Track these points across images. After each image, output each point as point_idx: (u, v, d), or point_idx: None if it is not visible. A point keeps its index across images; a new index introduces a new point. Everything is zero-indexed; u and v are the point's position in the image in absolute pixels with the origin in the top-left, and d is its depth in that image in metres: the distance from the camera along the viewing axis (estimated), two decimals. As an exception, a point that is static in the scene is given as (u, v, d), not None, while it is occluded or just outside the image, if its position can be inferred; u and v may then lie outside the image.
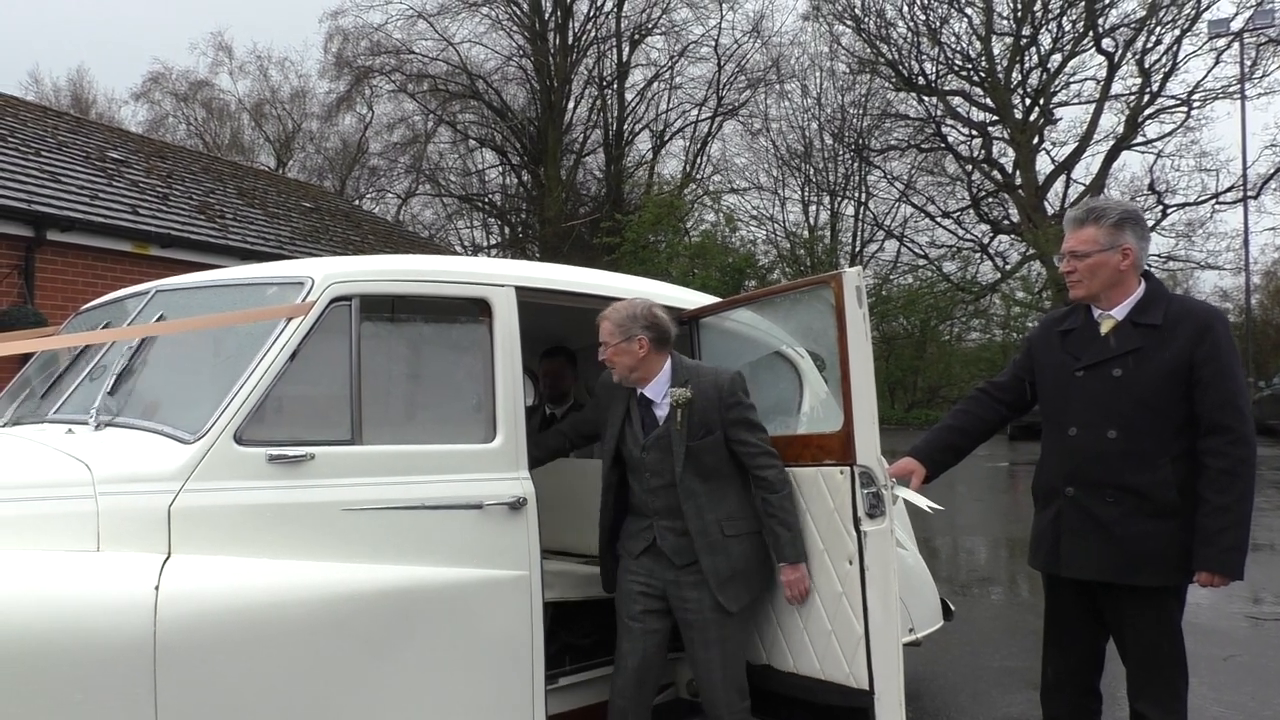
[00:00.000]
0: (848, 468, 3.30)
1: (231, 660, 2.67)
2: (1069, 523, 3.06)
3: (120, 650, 2.49)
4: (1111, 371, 2.98)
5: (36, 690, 2.40)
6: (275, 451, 2.96)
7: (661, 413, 3.42)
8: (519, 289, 3.55)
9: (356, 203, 28.21)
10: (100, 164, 12.76)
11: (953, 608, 4.88)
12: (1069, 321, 3.17)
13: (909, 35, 29.66)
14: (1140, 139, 28.42)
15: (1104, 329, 3.05)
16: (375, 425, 3.17)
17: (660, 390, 3.42)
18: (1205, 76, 27.66)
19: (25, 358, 6.47)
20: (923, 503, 3.22)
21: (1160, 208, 28.58)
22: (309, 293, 3.16)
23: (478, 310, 3.46)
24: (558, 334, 5.03)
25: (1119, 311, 3.03)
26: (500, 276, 3.55)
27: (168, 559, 2.68)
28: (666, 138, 33.63)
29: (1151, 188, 28.63)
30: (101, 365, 3.38)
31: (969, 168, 30.60)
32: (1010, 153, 29.48)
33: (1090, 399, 3.02)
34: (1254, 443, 2.89)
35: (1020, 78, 29.20)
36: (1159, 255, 29.40)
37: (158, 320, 3.44)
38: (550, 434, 3.95)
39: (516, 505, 3.32)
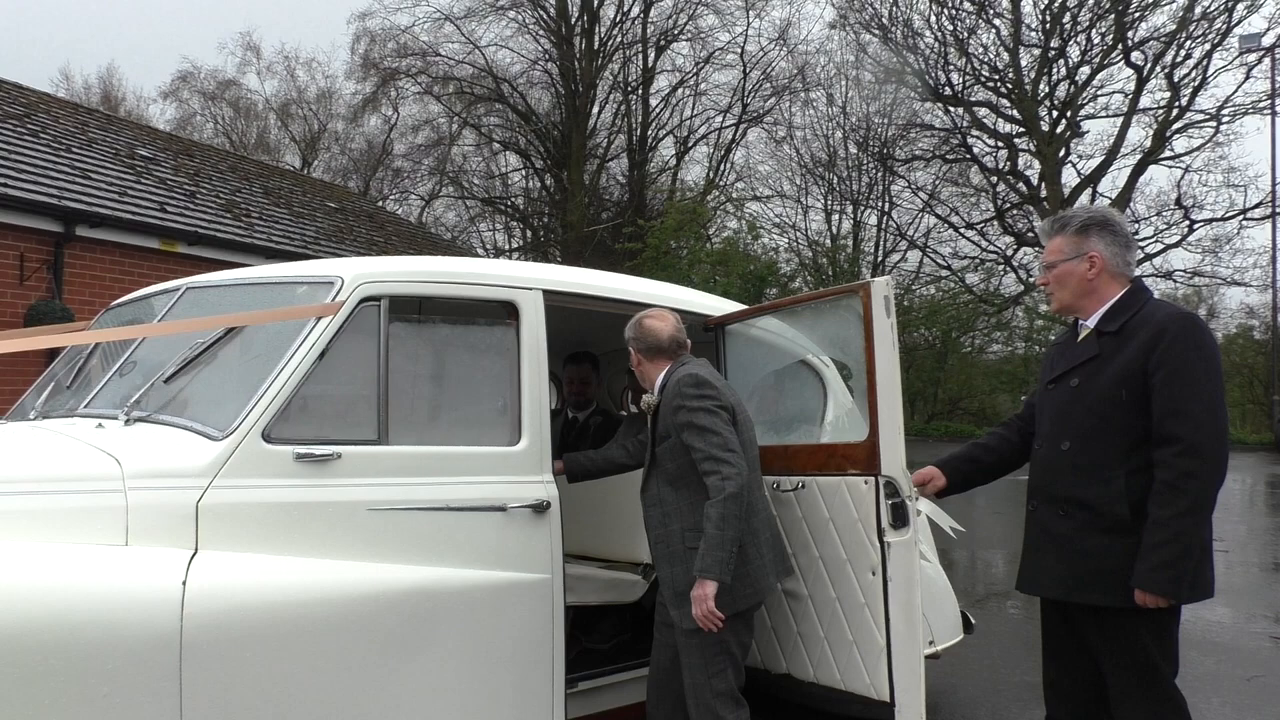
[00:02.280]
0: (872, 478, 3.29)
1: (257, 656, 2.69)
2: (1028, 538, 3.00)
3: (147, 645, 2.51)
4: (1070, 382, 2.92)
5: (64, 683, 2.41)
6: (302, 450, 2.98)
7: None
8: (546, 292, 3.56)
9: (380, 204, 28.33)
10: (129, 161, 12.88)
11: (973, 620, 4.85)
12: (1065, 336, 3.11)
13: (936, 45, 29.55)
14: (1168, 153, 28.14)
15: (1080, 338, 2.98)
16: (401, 426, 3.19)
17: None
18: (1235, 91, 27.48)
19: (54, 352, 6.53)
20: (946, 524, 3.17)
21: (1187, 223, 28.32)
22: (339, 292, 3.18)
23: (505, 313, 3.47)
24: (582, 339, 5.04)
25: (1092, 320, 2.94)
26: (528, 280, 3.57)
27: (195, 555, 2.71)
28: (690, 144, 33.58)
29: (1179, 202, 28.34)
30: (131, 361, 3.42)
31: (994, 179, 30.39)
32: (1036, 165, 29.27)
33: (1054, 411, 2.96)
34: (1210, 455, 2.67)
35: (1048, 90, 28.99)
36: (1185, 271, 29.17)
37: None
38: (612, 446, 3.92)
39: (540, 508, 3.33)
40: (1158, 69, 27.58)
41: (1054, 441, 2.93)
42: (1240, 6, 25.72)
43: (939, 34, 29.51)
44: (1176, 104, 27.57)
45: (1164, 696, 2.77)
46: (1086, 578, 2.80)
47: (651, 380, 3.47)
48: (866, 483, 3.31)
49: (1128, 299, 2.91)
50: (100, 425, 3.12)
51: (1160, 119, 27.91)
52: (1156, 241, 28.68)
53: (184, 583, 2.61)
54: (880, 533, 3.26)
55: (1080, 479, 2.84)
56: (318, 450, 3.00)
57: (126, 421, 3.09)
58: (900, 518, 3.25)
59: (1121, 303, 2.90)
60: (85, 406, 3.36)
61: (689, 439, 3.20)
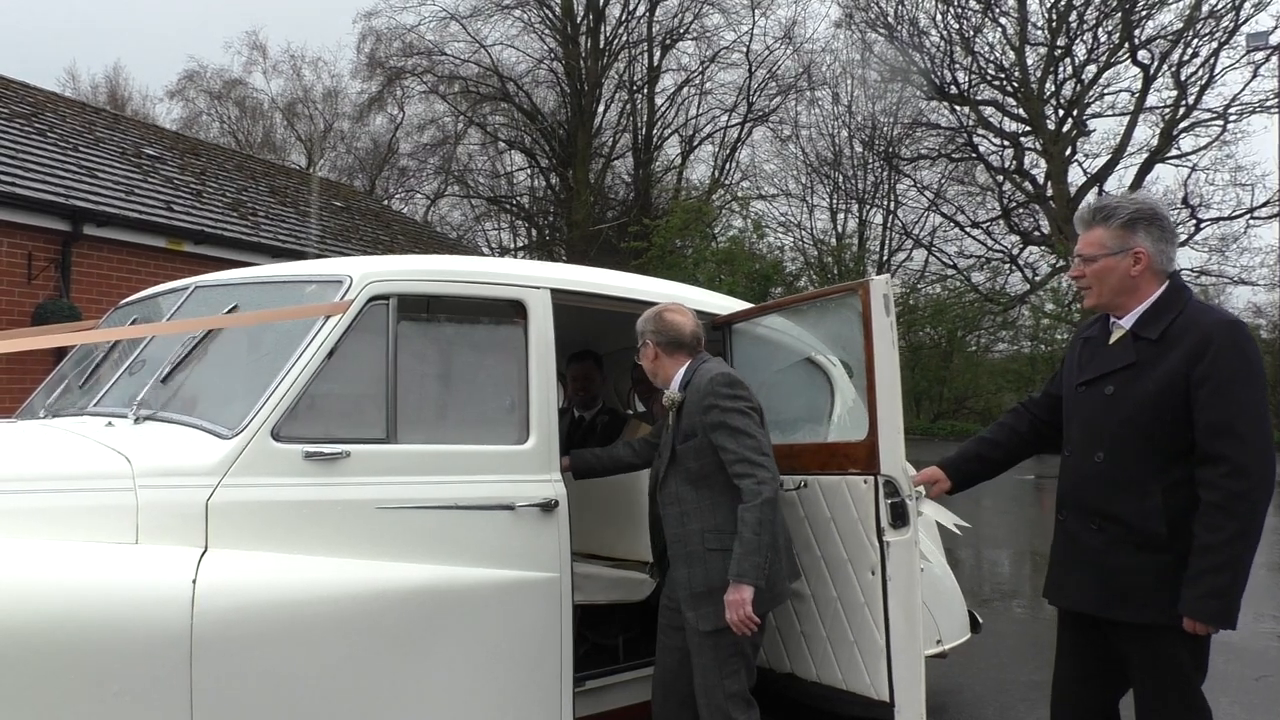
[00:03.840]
0: (872, 477, 3.29)
1: (266, 654, 2.70)
2: (1057, 548, 2.88)
3: (157, 642, 2.53)
4: (1104, 389, 2.74)
5: (76, 680, 2.43)
6: (312, 449, 2.99)
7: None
8: (554, 291, 3.57)
9: (386, 203, 28.36)
10: (136, 160, 12.91)
11: (980, 620, 4.85)
12: (1091, 329, 2.91)
13: (942, 44, 29.54)
14: (1174, 152, 28.09)
15: (1113, 340, 2.79)
16: (410, 424, 3.20)
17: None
18: (1242, 90, 27.38)
19: (61, 351, 6.56)
20: (949, 521, 3.16)
21: (1194, 222, 28.24)
22: (347, 291, 3.20)
23: (513, 312, 3.48)
24: (585, 337, 5.05)
25: (1128, 321, 2.75)
26: (536, 278, 3.58)
27: (205, 553, 2.72)
28: (696, 143, 33.58)
29: (1185, 201, 28.26)
30: (141, 359, 3.43)
31: (1000, 178, 30.37)
32: (1042, 164, 29.24)
33: (1085, 417, 2.79)
34: (1259, 474, 2.51)
35: (1054, 88, 28.96)
36: (1191, 270, 29.08)
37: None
38: (619, 445, 3.86)
39: (548, 507, 3.34)
40: (1164, 67, 27.56)
41: (1087, 451, 2.76)
42: (1248, 4, 25.67)
43: (945, 32, 29.50)
44: (1183, 102, 27.52)
45: (1194, 707, 2.66)
46: (1117, 594, 2.67)
47: (667, 376, 3.38)
48: (866, 482, 3.31)
49: (1168, 299, 2.71)
50: (110, 424, 3.14)
51: (1167, 117, 27.87)
52: (1163, 240, 28.55)
53: (194, 581, 2.62)
54: (880, 532, 3.25)
55: (1115, 492, 2.68)
56: (326, 449, 3.01)
57: (136, 420, 3.11)
58: (900, 517, 3.24)
59: (1161, 303, 2.71)
60: (95, 405, 3.38)
61: (721, 440, 3.13)
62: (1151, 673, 2.69)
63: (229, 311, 3.43)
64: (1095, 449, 2.74)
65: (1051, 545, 2.92)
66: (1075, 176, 29.21)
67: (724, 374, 3.23)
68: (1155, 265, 2.73)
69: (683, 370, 3.36)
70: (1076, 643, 2.89)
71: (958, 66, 29.53)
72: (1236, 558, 2.53)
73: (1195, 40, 26.92)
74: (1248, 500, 2.52)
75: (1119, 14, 27.14)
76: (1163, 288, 2.74)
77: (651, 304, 3.63)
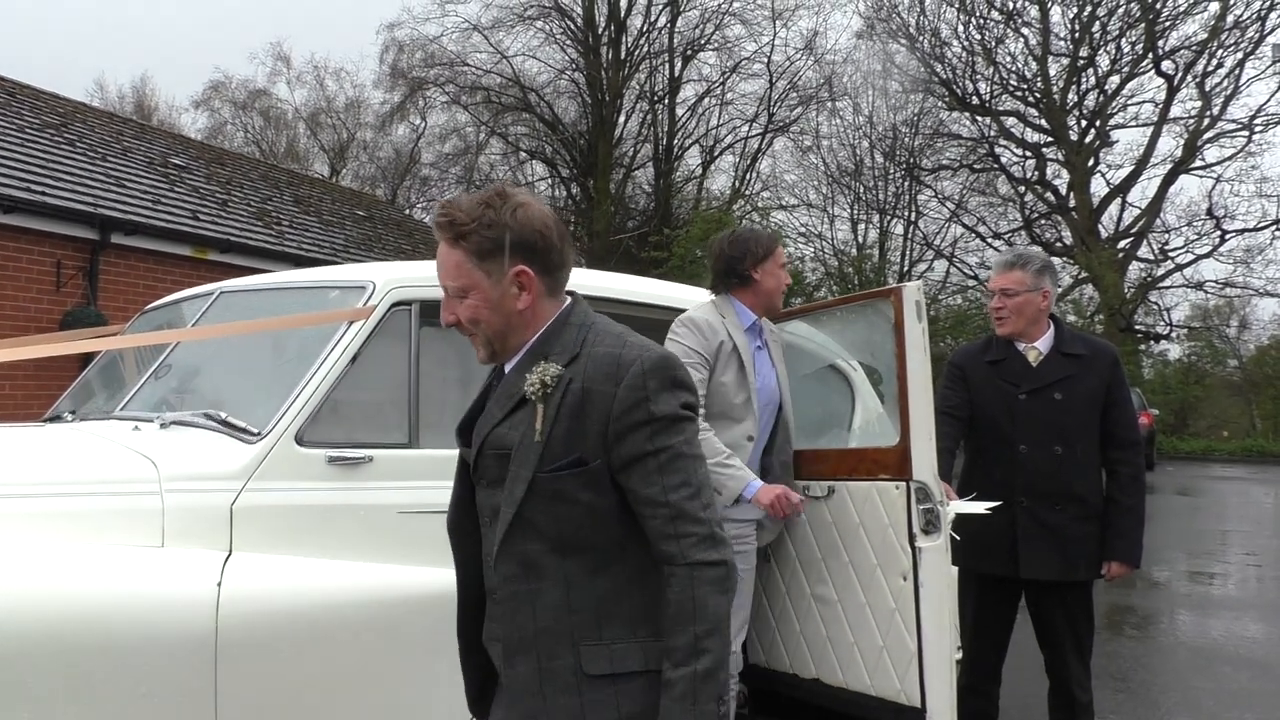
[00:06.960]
0: (903, 483, 3.27)
1: (289, 657, 2.70)
2: (1025, 530, 3.43)
3: (183, 645, 2.54)
4: (1053, 395, 3.45)
5: (102, 682, 2.44)
6: (335, 453, 3.00)
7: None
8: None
9: (408, 212, 28.52)
10: (162, 170, 13.03)
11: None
12: (991, 353, 3.60)
13: (964, 55, 29.47)
14: (1199, 163, 27.88)
15: (1030, 359, 3.53)
16: (432, 429, 3.21)
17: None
18: (1268, 100, 27.16)
19: (88, 357, 6.61)
20: (980, 508, 3.21)
21: (1218, 233, 28.04)
22: (370, 297, 3.21)
23: (535, 318, 3.47)
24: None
25: (1043, 344, 3.54)
26: (558, 285, 3.57)
27: (229, 556, 2.73)
28: (716, 153, 33.54)
29: (1210, 213, 28.05)
30: (167, 364, 3.45)
31: (1022, 189, 30.24)
32: (1065, 174, 29.10)
33: (1036, 419, 3.45)
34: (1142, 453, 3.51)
35: (1076, 99, 28.84)
36: (1216, 282, 28.84)
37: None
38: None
39: (569, 513, 3.33)
40: (1189, 78, 27.40)
41: (1046, 446, 3.43)
42: (1273, 15, 25.50)
43: (966, 43, 29.43)
44: (1208, 113, 27.34)
45: (1090, 648, 3.55)
46: (1079, 559, 3.42)
47: (531, 327, 1.85)
48: (898, 488, 3.29)
49: (1062, 328, 3.57)
50: (137, 428, 3.16)
51: (1191, 128, 27.69)
52: (1187, 252, 28.43)
53: (219, 584, 2.63)
54: (911, 538, 3.24)
55: (1073, 477, 3.42)
56: (349, 453, 3.02)
57: (162, 424, 3.12)
58: (932, 523, 3.23)
59: (1065, 332, 3.56)
60: (122, 409, 3.40)
61: (651, 479, 1.69)
62: (1078, 622, 3.48)
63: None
64: (1054, 443, 3.43)
65: (1002, 529, 3.43)
66: (1098, 187, 29.09)
67: (664, 356, 1.73)
68: (1052, 304, 3.56)
69: (549, 323, 1.81)
70: (1000, 605, 3.61)
71: (979, 77, 29.46)
72: (1142, 515, 3.46)
73: (1220, 51, 26.78)
74: (1142, 470, 3.49)
75: (1142, 24, 27.01)
76: (1054, 320, 3.57)
77: (675, 310, 3.61)
